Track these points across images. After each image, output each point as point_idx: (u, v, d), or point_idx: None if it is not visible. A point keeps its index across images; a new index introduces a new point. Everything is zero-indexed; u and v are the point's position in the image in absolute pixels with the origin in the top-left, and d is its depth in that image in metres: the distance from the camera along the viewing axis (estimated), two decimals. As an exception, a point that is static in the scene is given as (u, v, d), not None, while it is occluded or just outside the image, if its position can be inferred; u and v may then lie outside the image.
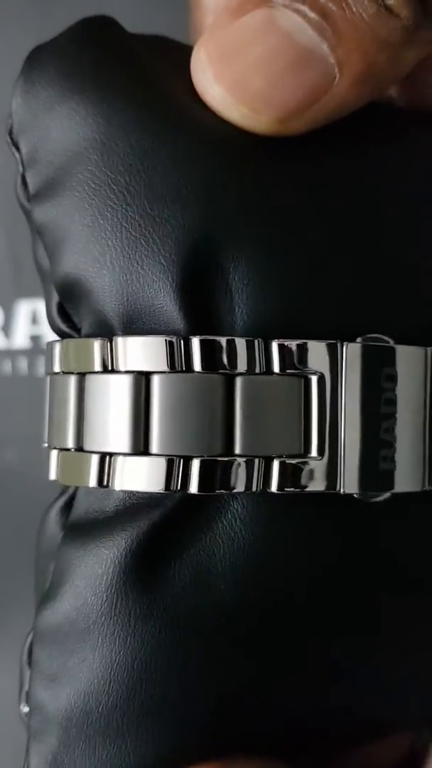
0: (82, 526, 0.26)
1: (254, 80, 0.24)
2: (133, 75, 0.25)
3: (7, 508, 0.39)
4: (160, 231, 0.24)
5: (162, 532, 0.24)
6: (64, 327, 0.27)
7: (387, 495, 0.25)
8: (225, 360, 0.23)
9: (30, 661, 0.27)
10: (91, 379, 0.25)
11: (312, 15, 0.24)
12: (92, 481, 0.25)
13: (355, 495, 0.24)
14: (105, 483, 0.25)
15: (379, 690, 0.26)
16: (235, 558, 0.24)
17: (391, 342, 0.24)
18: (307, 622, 0.25)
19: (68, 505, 0.27)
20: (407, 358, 0.25)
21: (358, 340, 0.24)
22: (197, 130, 0.25)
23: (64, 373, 0.26)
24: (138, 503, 0.25)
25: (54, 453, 0.26)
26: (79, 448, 0.25)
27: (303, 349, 0.24)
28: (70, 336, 0.27)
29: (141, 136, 0.24)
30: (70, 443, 0.26)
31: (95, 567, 0.25)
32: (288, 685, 0.25)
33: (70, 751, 0.25)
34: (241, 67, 0.24)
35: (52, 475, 0.27)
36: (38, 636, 0.26)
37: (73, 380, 0.26)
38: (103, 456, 0.25)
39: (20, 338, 0.41)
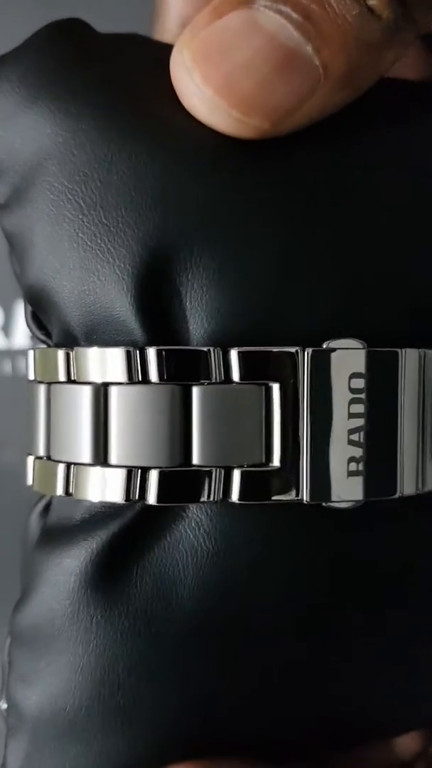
0: (52, 532, 0.26)
1: (243, 83, 0.24)
2: (94, 81, 0.25)
3: (7, 508, 0.40)
4: (114, 241, 0.24)
5: (122, 541, 0.24)
6: (39, 334, 0.27)
7: (360, 502, 0.24)
8: (181, 370, 0.23)
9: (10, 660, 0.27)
10: (56, 389, 0.25)
11: (295, 16, 0.24)
12: (59, 490, 0.25)
13: (323, 503, 0.24)
14: (70, 492, 0.25)
15: (358, 694, 0.26)
16: (198, 567, 0.24)
17: (364, 346, 0.24)
18: (274, 629, 0.24)
19: (47, 509, 0.27)
20: (378, 362, 0.24)
21: (325, 345, 0.24)
22: (157, 136, 0.24)
23: (37, 381, 0.26)
24: (101, 512, 0.25)
25: (30, 459, 0.27)
26: (49, 457, 0.26)
27: (263, 357, 0.23)
28: (45, 343, 0.27)
29: (97, 144, 0.24)
30: (41, 451, 0.26)
31: (58, 575, 0.25)
32: (260, 689, 0.25)
33: (40, 749, 0.25)
34: (230, 68, 0.24)
35: (29, 481, 0.27)
36: (13, 637, 0.26)
37: (42, 389, 0.26)
38: (69, 465, 0.25)
39: (20, 338, 0.41)
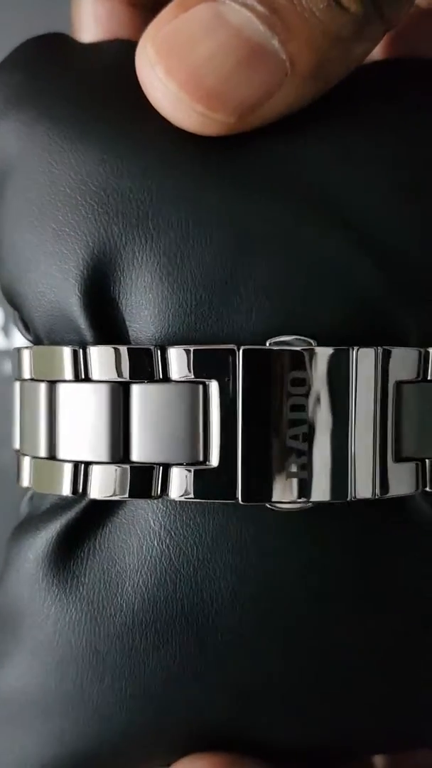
0: (26, 521, 0.27)
1: (208, 77, 0.24)
2: (57, 93, 0.26)
3: (7, 508, 0.40)
4: (61, 244, 0.25)
5: (72, 533, 0.25)
6: (26, 334, 0.28)
7: (307, 504, 0.24)
8: (121, 368, 0.24)
9: None
10: (22, 386, 0.26)
11: (261, 9, 0.23)
12: (26, 482, 0.26)
13: (267, 505, 0.24)
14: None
15: (320, 696, 0.26)
16: (143, 563, 0.25)
17: (314, 343, 0.24)
18: (226, 628, 0.25)
19: (32, 498, 0.28)
20: (323, 361, 0.24)
21: (269, 343, 0.24)
22: (104, 141, 0.25)
23: (14, 379, 0.28)
24: (57, 504, 0.26)
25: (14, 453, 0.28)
26: (21, 451, 0.27)
27: (200, 355, 0.24)
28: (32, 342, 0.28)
29: (48, 152, 0.25)
30: (17, 445, 0.27)
31: (19, 562, 0.26)
32: (210, 684, 0.25)
33: (1, 727, 0.26)
34: (194, 62, 0.24)
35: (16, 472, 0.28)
36: None
37: (17, 386, 0.27)
38: (33, 458, 0.26)
39: (20, 338, 0.41)
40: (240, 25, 0.23)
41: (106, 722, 0.25)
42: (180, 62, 0.24)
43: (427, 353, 0.25)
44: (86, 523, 0.25)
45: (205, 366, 0.24)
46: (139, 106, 0.25)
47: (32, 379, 0.26)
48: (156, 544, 0.25)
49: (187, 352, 0.24)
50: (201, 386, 0.24)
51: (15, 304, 0.27)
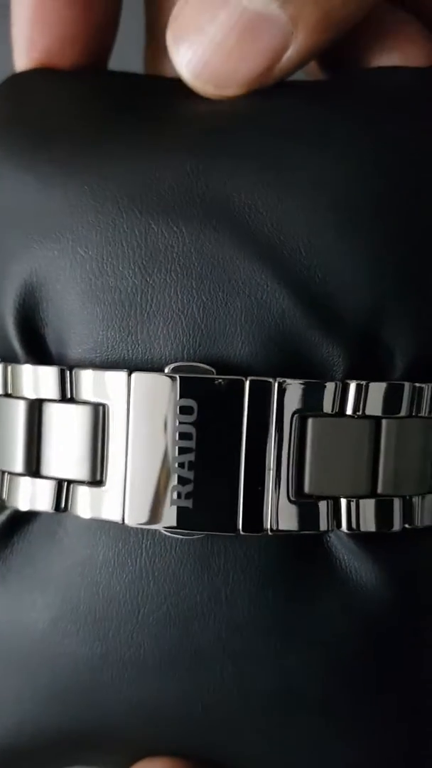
0: None
1: (212, 60, 0.25)
2: (17, 127, 0.27)
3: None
4: (7, 266, 0.26)
5: (3, 536, 0.26)
6: None
7: (194, 534, 0.24)
8: (36, 387, 0.25)
9: None
10: None
11: None
12: None
13: (163, 530, 0.24)
14: None
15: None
16: (54, 573, 0.26)
17: (214, 372, 0.24)
18: (117, 642, 0.25)
19: None
20: (213, 390, 0.24)
21: (167, 369, 0.24)
22: (38, 167, 0.25)
23: None
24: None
25: None
26: None
27: (98, 379, 0.24)
28: None
29: (1, 180, 0.26)
30: None
31: None
32: (109, 696, 0.26)
33: None
34: (198, 47, 0.25)
35: None
36: None
37: None
38: None
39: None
40: None
41: (25, 715, 0.26)
42: (187, 49, 0.25)
43: (346, 386, 0.24)
44: (14, 527, 0.26)
45: (102, 389, 0.24)
46: (86, 131, 0.26)
47: None
48: (66, 556, 0.25)
49: (88, 374, 0.24)
50: (101, 408, 0.24)
51: None
